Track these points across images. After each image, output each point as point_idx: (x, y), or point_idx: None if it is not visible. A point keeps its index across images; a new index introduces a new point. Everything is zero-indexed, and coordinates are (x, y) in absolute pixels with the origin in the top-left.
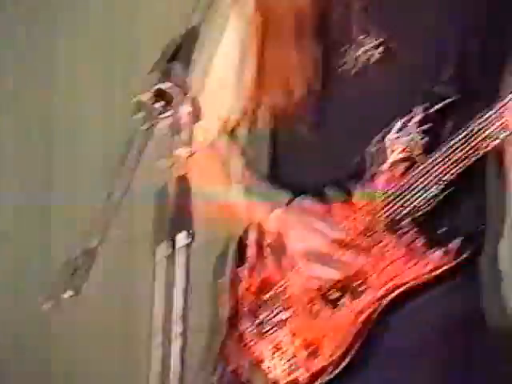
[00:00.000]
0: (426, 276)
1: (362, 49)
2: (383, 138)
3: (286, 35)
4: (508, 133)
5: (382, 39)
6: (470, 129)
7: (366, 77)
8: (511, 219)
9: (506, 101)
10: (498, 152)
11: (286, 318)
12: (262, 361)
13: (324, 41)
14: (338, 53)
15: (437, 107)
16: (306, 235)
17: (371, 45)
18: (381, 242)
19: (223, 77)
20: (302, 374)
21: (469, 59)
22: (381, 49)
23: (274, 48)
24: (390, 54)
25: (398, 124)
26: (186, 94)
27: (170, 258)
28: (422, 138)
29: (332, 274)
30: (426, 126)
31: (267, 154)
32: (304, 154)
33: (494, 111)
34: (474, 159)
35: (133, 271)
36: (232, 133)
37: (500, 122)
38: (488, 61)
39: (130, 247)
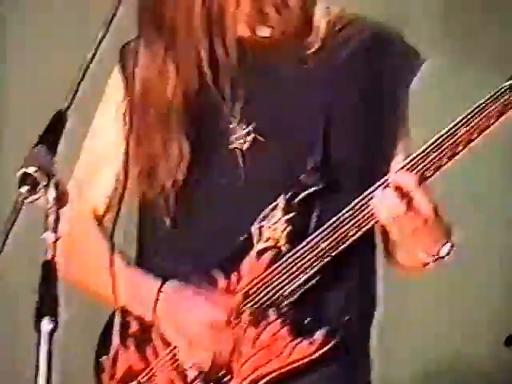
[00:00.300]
0: (290, 366)
1: (234, 136)
2: (251, 226)
3: (154, 124)
4: (375, 221)
5: (251, 128)
6: (336, 218)
7: (236, 165)
8: (381, 309)
9: (371, 189)
10: (370, 238)
11: None
12: None
13: (195, 129)
14: (209, 141)
15: (302, 196)
16: (179, 320)
17: (242, 133)
18: (246, 331)
19: (92, 161)
20: None
21: (334, 149)
22: (250, 137)
23: (141, 137)
24: (259, 143)
25: (265, 212)
26: (51, 178)
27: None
28: (287, 227)
29: (204, 359)
30: (291, 215)
31: (136, 240)
32: (172, 241)
33: (360, 199)
34: (341, 248)
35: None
36: (101, 218)
37: (367, 211)
38: (354, 150)
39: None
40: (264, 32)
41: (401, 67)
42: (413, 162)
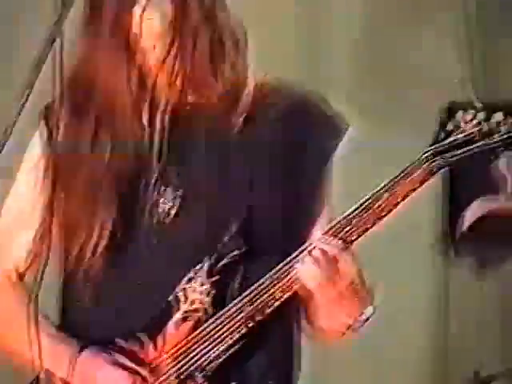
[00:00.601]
0: None
1: (160, 200)
2: (176, 288)
3: (80, 188)
4: (299, 285)
5: (178, 193)
6: (260, 282)
7: (162, 229)
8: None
9: (295, 254)
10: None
11: None
12: None
13: (123, 192)
14: (136, 205)
15: (226, 260)
16: None
17: (169, 197)
18: None
19: (12, 222)
20: None
21: (257, 214)
22: (177, 201)
23: (66, 202)
24: (185, 207)
25: (190, 275)
26: None
27: None
28: (211, 291)
29: None
30: (215, 279)
31: (60, 303)
32: (96, 304)
33: (284, 264)
34: (265, 312)
35: None
36: (21, 279)
37: (291, 275)
38: (277, 215)
39: None
40: (194, 99)
41: (324, 133)
42: (337, 227)
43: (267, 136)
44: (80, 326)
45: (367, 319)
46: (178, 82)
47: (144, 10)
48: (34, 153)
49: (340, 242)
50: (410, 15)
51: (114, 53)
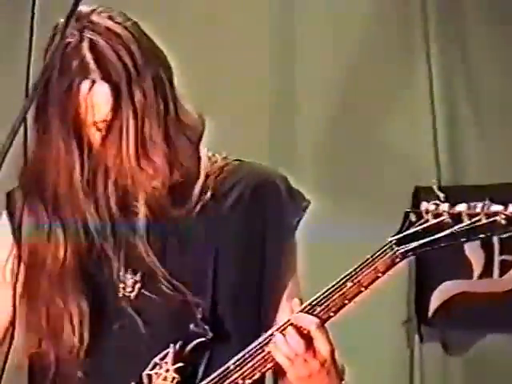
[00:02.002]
0: None
1: (121, 286)
2: (141, 373)
3: (49, 286)
4: (269, 365)
5: (138, 278)
6: (223, 369)
7: (126, 314)
8: None
9: (266, 335)
10: None
11: None
12: None
13: (89, 283)
14: (102, 293)
15: (191, 346)
16: None
17: (129, 282)
18: None
19: None
20: None
21: (222, 298)
22: (138, 287)
23: (35, 300)
24: (146, 292)
25: (155, 360)
26: None
27: None
28: (176, 377)
29: None
30: (180, 364)
31: None
32: None
33: (257, 344)
34: None
35: None
36: None
37: (260, 357)
38: (242, 298)
39: None
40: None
41: (286, 211)
42: (311, 306)
43: (229, 216)
44: None
45: None
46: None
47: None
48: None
49: (317, 319)
50: (380, 95)
51: (62, 142)
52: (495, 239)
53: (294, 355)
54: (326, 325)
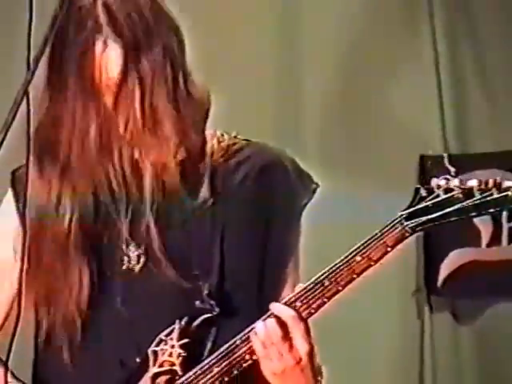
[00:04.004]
0: None
1: (126, 259)
2: (147, 349)
3: (52, 254)
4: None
5: (142, 251)
6: (229, 344)
7: (131, 288)
8: None
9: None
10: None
11: None
12: None
13: (94, 255)
14: (107, 265)
15: (197, 322)
16: None
17: (134, 255)
18: None
19: None
20: None
21: (229, 275)
22: (142, 260)
23: (39, 266)
24: (151, 266)
25: (161, 336)
26: None
27: None
28: (182, 352)
29: None
30: (186, 340)
31: (32, 366)
32: (69, 365)
33: (243, 334)
34: (235, 373)
35: None
36: None
37: (249, 346)
38: (248, 277)
39: None
40: (154, 158)
41: (293, 193)
42: (299, 296)
43: (236, 196)
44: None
45: None
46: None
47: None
48: (7, 210)
49: (297, 314)
50: (384, 68)
51: (80, 102)
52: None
53: (270, 344)
54: (309, 321)
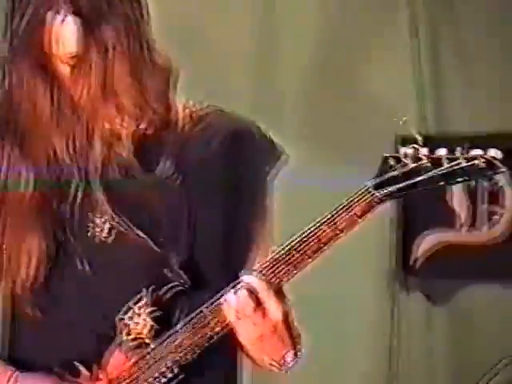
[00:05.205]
0: None
1: (91, 226)
2: (114, 318)
3: (11, 220)
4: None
5: (110, 220)
6: (197, 314)
7: (96, 256)
8: None
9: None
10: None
11: None
12: None
13: (54, 221)
14: (69, 231)
15: (166, 291)
16: None
17: (100, 222)
18: None
19: None
20: None
21: (198, 244)
22: (111, 230)
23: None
24: (120, 236)
25: (129, 305)
26: None
27: None
28: (150, 322)
29: None
30: (154, 310)
31: (9, 328)
32: (35, 332)
33: (215, 299)
34: (204, 345)
35: None
36: None
37: (220, 317)
38: (218, 247)
39: None
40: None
41: (260, 161)
42: (268, 265)
43: (203, 165)
44: (22, 353)
45: (289, 364)
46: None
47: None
48: None
49: (269, 281)
50: (361, 46)
51: (32, 71)
52: (480, 189)
53: (244, 315)
54: (282, 288)
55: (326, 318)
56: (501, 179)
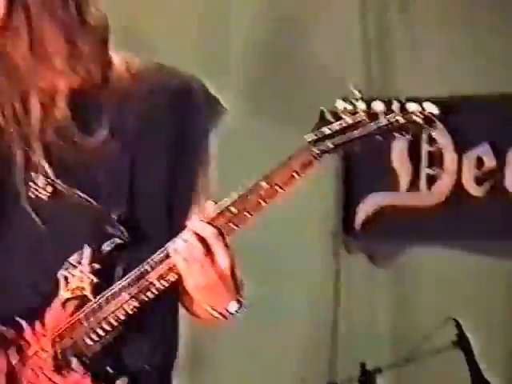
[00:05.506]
0: None
1: (33, 186)
2: (56, 274)
3: None
4: (175, 269)
5: (51, 181)
6: (139, 269)
7: (38, 214)
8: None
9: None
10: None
11: None
12: None
13: None
14: (9, 191)
15: (107, 247)
16: None
17: (41, 182)
18: (50, 381)
19: None
20: None
21: (140, 199)
22: (52, 190)
23: None
24: (61, 195)
25: (70, 261)
26: None
27: None
28: (92, 278)
29: None
30: (96, 265)
31: None
32: None
33: (162, 250)
34: (146, 297)
35: None
36: None
37: (167, 264)
38: (159, 201)
39: None
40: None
41: (201, 116)
42: (215, 214)
43: (144, 122)
44: None
45: (233, 313)
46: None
47: None
48: None
49: (216, 229)
50: (308, 13)
51: None
52: (423, 152)
53: (193, 259)
54: (229, 237)
55: (269, 278)
56: (442, 141)
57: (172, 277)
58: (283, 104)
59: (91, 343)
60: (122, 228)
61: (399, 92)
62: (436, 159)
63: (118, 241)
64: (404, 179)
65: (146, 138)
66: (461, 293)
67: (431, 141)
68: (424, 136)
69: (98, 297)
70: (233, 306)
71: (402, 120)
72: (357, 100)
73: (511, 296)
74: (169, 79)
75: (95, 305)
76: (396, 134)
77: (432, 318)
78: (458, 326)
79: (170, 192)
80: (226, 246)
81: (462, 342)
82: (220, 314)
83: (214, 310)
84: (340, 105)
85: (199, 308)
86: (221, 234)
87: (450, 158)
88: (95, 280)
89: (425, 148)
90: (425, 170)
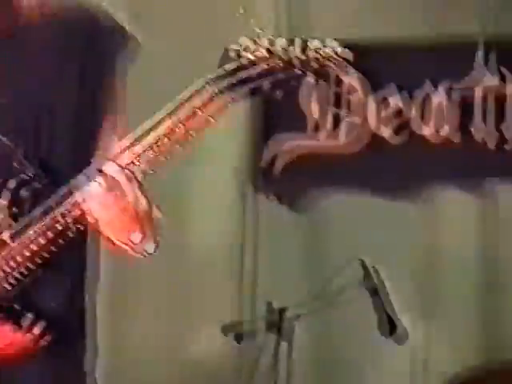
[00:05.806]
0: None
1: None
2: None
3: None
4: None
5: None
6: (45, 206)
7: None
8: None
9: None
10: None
11: None
12: None
13: None
14: None
15: (13, 184)
16: None
17: None
18: None
19: None
20: None
21: (47, 135)
22: None
23: None
24: None
25: None
26: None
27: None
28: (2, 215)
29: None
30: (5, 203)
31: None
32: None
33: (65, 188)
34: (50, 236)
35: None
36: None
37: (71, 200)
38: (67, 136)
39: None
40: None
41: (108, 43)
42: (119, 151)
43: (48, 56)
44: None
45: (152, 248)
46: None
47: None
48: None
49: (119, 167)
50: None
51: None
52: (330, 93)
53: (94, 196)
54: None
55: (177, 213)
56: (349, 82)
57: (76, 213)
58: (194, 37)
59: (7, 289)
60: (29, 165)
61: (312, 33)
62: (341, 99)
63: (24, 177)
64: (311, 119)
65: (51, 70)
66: (370, 235)
67: (339, 82)
68: (332, 76)
69: (11, 236)
70: (136, 238)
71: (302, 57)
72: (259, 38)
73: (418, 237)
74: (71, 10)
75: (10, 248)
76: (297, 72)
77: (342, 258)
78: (364, 265)
79: (78, 124)
80: (131, 181)
81: (368, 282)
82: (126, 244)
83: (120, 241)
84: (243, 41)
85: (105, 240)
86: (125, 171)
87: (356, 98)
88: (3, 217)
89: (332, 89)
90: (331, 110)
